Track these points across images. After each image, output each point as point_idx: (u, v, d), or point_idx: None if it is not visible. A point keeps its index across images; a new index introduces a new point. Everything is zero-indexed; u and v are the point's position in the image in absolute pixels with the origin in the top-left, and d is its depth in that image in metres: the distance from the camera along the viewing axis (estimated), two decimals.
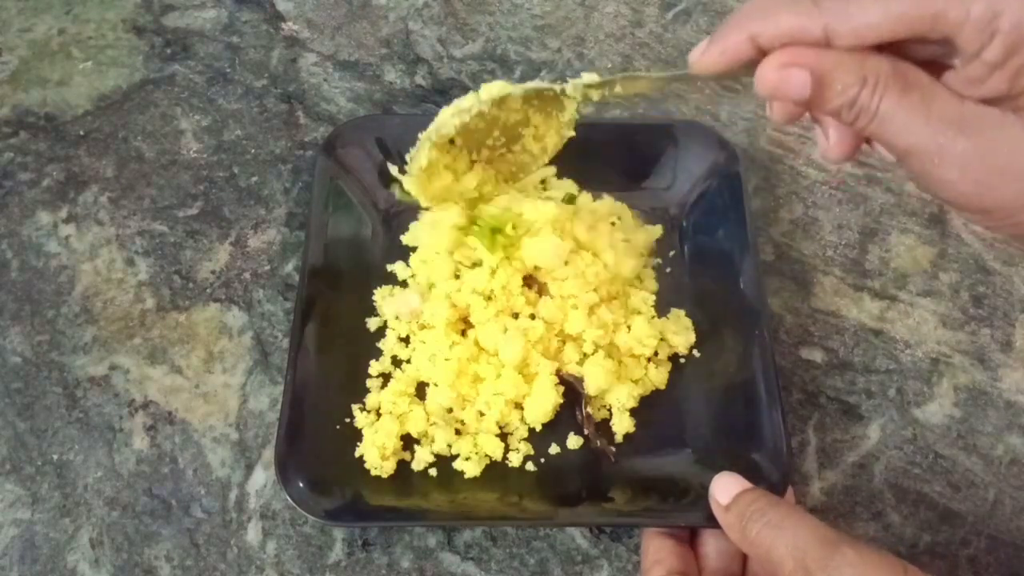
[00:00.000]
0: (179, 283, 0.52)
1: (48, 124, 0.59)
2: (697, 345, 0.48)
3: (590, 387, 0.45)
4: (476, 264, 0.47)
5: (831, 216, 0.55)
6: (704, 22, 0.64)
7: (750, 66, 0.31)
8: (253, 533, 0.44)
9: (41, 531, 0.44)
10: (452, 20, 0.65)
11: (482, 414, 0.45)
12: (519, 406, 0.46)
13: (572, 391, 0.46)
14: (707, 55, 0.31)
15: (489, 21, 0.65)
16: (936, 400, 0.48)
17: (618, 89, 0.38)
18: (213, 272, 0.52)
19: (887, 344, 0.50)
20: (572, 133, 0.44)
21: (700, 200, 0.52)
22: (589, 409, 0.45)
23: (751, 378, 0.45)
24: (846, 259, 0.53)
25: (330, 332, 0.47)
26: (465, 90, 0.60)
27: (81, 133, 0.58)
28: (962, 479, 0.46)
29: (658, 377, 0.47)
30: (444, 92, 0.60)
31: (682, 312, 0.49)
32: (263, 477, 0.45)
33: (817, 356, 0.50)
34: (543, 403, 0.45)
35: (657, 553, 0.39)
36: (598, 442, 0.45)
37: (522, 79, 0.61)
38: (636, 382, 0.47)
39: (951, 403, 0.48)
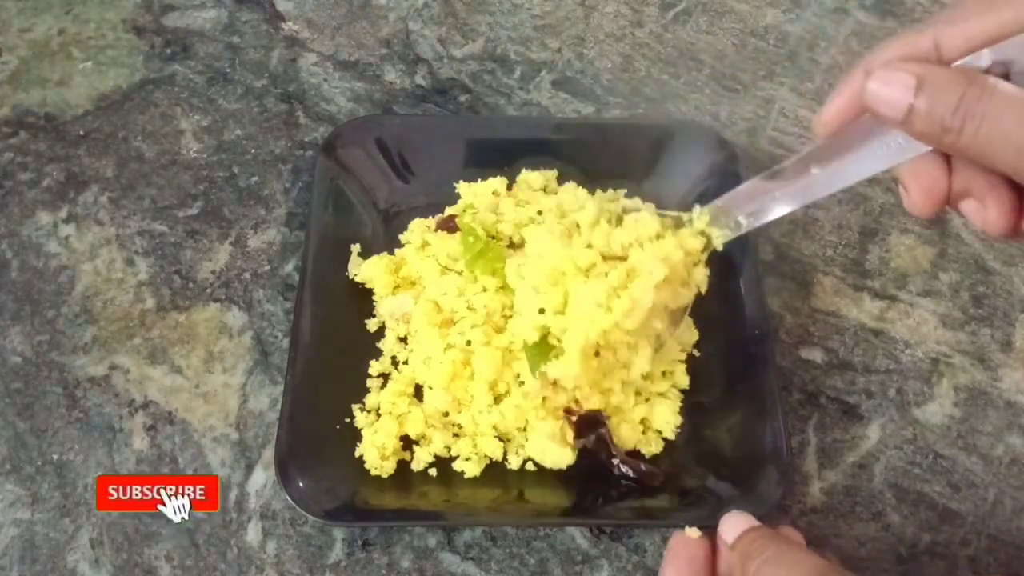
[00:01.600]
0: (179, 283, 0.52)
1: (48, 124, 0.59)
2: (697, 345, 0.48)
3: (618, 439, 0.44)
4: (459, 271, 0.47)
5: (831, 216, 0.55)
6: (704, 22, 0.64)
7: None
8: (253, 533, 0.44)
9: (41, 531, 0.44)
10: (452, 20, 0.65)
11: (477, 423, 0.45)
12: (522, 429, 0.45)
13: (588, 425, 0.44)
14: (826, 117, 0.33)
15: (489, 21, 0.65)
16: (936, 400, 0.48)
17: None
18: (213, 272, 0.52)
19: (887, 344, 0.50)
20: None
21: (700, 200, 0.52)
22: (615, 451, 0.44)
23: (751, 378, 0.45)
24: (846, 259, 0.53)
25: (330, 332, 0.47)
26: (465, 90, 0.61)
27: (81, 133, 0.58)
28: (962, 479, 0.46)
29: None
30: (444, 92, 0.60)
31: None
32: (263, 477, 0.45)
33: (817, 356, 0.50)
34: (554, 458, 0.43)
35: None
36: (642, 467, 0.43)
37: (522, 79, 0.61)
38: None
39: (951, 403, 0.48)
